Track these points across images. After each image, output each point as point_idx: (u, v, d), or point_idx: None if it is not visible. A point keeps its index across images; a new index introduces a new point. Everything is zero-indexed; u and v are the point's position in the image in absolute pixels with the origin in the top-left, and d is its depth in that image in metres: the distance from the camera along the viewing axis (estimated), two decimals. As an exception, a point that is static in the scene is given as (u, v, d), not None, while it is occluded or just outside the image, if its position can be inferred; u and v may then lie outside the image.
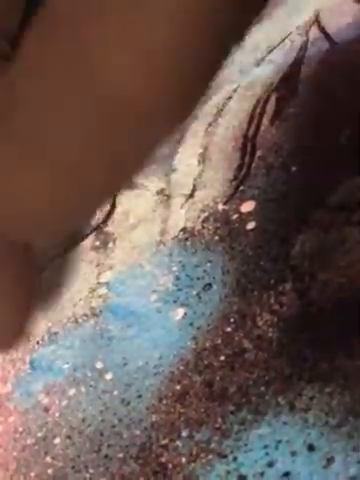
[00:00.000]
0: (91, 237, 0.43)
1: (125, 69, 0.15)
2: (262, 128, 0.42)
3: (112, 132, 0.16)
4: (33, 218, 0.18)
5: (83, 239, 0.43)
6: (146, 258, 0.40)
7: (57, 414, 0.35)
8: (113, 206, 0.44)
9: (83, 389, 0.36)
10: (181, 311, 0.36)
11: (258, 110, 0.42)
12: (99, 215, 0.43)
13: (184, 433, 0.31)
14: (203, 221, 0.39)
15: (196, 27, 0.15)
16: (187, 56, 0.15)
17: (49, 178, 0.16)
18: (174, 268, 0.38)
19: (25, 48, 0.15)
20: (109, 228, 0.43)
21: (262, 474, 0.28)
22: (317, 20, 0.45)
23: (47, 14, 0.15)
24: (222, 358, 0.33)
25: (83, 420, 0.35)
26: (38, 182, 0.17)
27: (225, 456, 0.30)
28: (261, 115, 0.42)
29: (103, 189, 0.18)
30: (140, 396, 0.34)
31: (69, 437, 0.34)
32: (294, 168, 0.39)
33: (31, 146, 0.16)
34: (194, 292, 0.36)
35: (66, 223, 0.18)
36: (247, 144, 0.41)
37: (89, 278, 0.41)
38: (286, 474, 0.28)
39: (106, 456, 0.33)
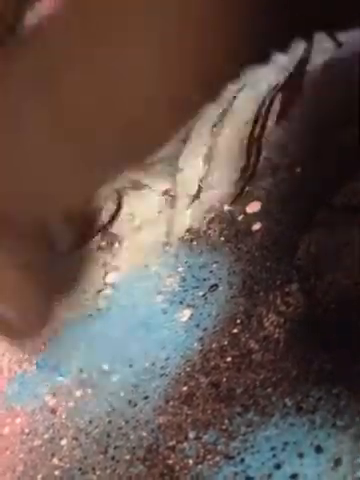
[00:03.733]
0: (97, 238, 0.43)
1: (141, 66, 0.16)
2: (267, 129, 0.41)
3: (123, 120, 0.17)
4: (47, 194, 0.18)
5: (89, 240, 0.43)
6: (152, 259, 0.40)
7: (64, 415, 0.35)
8: (118, 207, 0.44)
9: (90, 390, 0.36)
10: (187, 312, 0.36)
11: (263, 110, 0.42)
12: (105, 216, 0.43)
13: (191, 435, 0.31)
14: (209, 222, 0.39)
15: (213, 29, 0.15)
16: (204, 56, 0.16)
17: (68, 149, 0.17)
18: (180, 269, 0.38)
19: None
20: (115, 229, 0.43)
21: (269, 476, 0.28)
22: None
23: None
24: (228, 359, 0.33)
25: (90, 422, 0.35)
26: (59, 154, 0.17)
27: (232, 458, 0.30)
28: (266, 115, 0.42)
29: (113, 164, 0.18)
30: (147, 397, 0.34)
31: (76, 439, 0.34)
32: (299, 169, 0.38)
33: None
34: (200, 293, 0.36)
35: (79, 195, 0.19)
36: (252, 145, 0.41)
37: (95, 279, 0.41)
38: (294, 476, 0.28)
39: (113, 458, 0.33)
